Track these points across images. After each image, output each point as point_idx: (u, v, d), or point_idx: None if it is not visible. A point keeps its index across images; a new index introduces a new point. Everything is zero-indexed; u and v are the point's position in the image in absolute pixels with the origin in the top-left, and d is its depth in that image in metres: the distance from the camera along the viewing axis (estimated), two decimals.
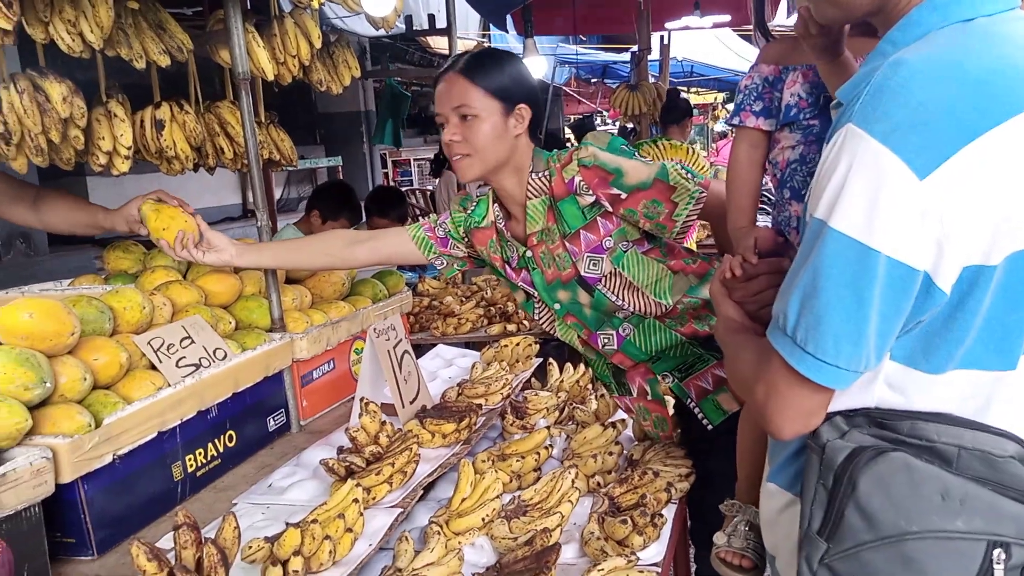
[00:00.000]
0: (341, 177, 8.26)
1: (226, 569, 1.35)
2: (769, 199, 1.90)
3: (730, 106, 18.31)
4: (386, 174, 11.31)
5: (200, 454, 1.88)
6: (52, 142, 2.20)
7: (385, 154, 11.38)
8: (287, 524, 1.48)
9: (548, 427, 2.28)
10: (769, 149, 1.53)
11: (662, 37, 7.56)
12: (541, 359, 2.76)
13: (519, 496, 1.90)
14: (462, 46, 6.11)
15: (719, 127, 19.51)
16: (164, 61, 2.30)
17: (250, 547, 1.45)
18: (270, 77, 2.57)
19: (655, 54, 7.45)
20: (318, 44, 2.69)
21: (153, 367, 1.87)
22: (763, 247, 1.32)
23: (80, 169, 2.56)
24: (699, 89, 14.33)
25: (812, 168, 1.41)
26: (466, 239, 2.08)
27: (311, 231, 4.16)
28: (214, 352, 1.96)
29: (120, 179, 3.73)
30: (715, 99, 18.11)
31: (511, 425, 2.30)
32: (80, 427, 1.58)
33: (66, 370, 1.65)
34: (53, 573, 1.53)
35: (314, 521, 1.49)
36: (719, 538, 1.54)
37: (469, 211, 2.07)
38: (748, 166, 1.54)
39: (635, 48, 7.40)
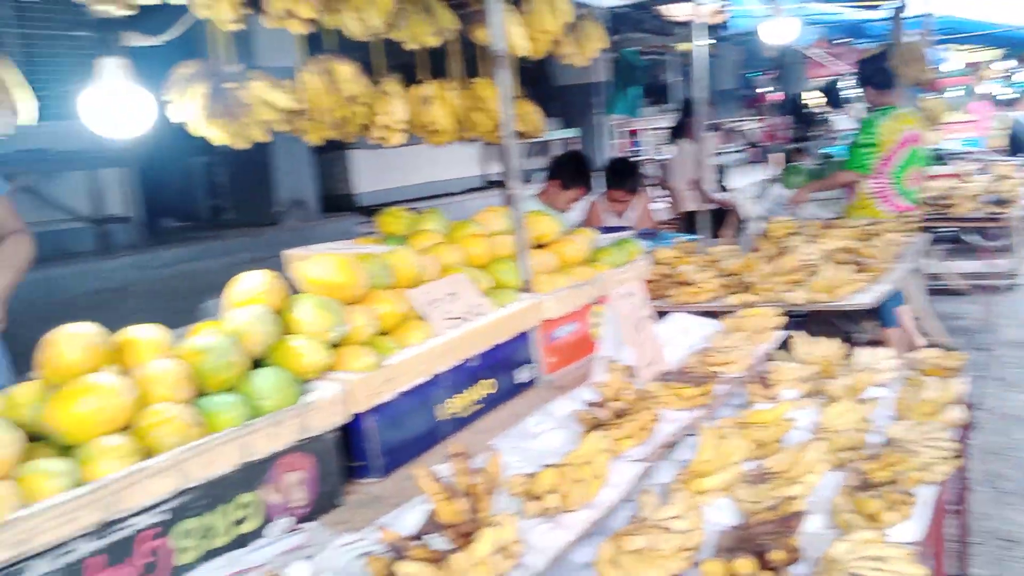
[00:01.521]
0: (580, 148, 8.42)
1: (491, 497, 1.50)
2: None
3: (998, 65, 16.18)
4: (618, 145, 11.34)
5: (462, 398, 2.08)
6: (339, 118, 2.49)
7: (616, 125, 11.41)
8: (544, 465, 1.61)
9: (795, 399, 2.24)
10: None
11: None
12: (785, 332, 2.69)
13: (762, 464, 1.90)
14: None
15: (982, 88, 17.28)
16: (434, 42, 2.52)
17: (511, 482, 1.60)
18: (525, 54, 2.72)
19: (914, 9, 6.81)
20: (569, 19, 2.79)
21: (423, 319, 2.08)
22: None
23: (344, 143, 2.83)
24: (969, 47, 12.81)
25: None
26: None
27: (551, 201, 4.31)
28: (476, 307, 2.14)
29: (379, 152, 4.09)
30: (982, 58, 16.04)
31: (755, 395, 2.29)
32: (369, 366, 1.81)
33: (355, 317, 1.90)
34: (344, 490, 1.78)
35: (567, 465, 1.61)
36: None
37: None
38: None
39: (895, 3, 6.81)
